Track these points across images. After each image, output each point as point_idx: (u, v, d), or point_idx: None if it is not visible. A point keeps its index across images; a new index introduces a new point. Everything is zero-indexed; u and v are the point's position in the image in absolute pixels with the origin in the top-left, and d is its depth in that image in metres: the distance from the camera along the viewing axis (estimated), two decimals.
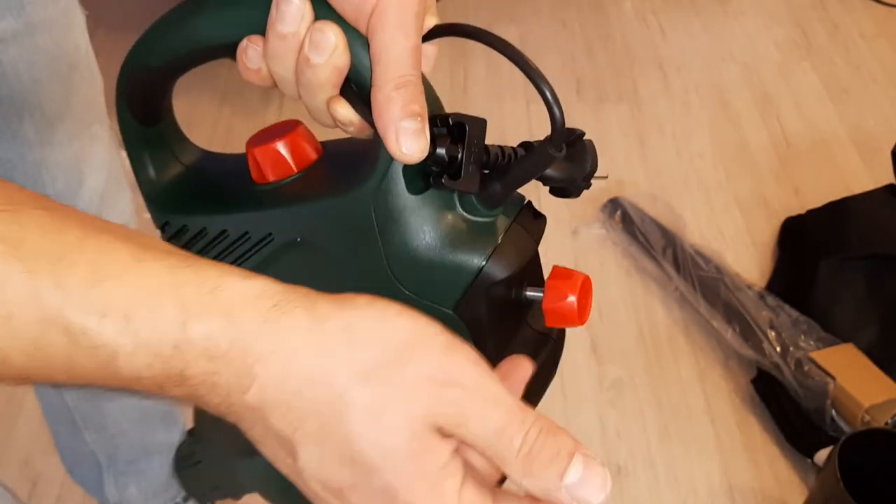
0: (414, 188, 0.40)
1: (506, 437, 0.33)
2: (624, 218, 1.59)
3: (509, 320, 0.42)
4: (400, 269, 0.41)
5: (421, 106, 0.37)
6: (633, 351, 1.44)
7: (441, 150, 0.38)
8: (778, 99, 1.93)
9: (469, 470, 0.34)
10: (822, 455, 1.23)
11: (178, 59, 0.45)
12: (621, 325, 1.48)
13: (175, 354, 0.32)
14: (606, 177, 0.43)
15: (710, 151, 1.80)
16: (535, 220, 0.43)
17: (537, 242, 0.43)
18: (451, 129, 0.39)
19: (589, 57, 2.03)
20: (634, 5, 2.20)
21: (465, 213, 0.40)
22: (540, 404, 0.51)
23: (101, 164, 0.79)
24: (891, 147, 1.57)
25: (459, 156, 0.38)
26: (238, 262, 0.46)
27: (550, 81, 0.38)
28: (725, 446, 1.32)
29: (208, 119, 1.79)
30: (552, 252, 1.78)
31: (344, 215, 0.41)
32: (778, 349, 1.32)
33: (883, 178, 1.64)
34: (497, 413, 0.33)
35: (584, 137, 0.41)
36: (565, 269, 0.41)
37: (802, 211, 1.62)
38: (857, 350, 1.33)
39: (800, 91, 1.96)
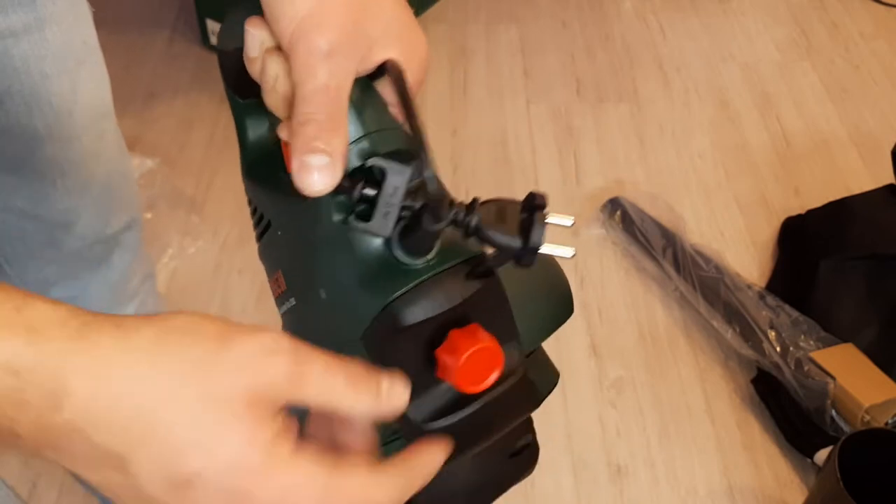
0: (340, 218, 0.41)
1: (329, 377, 0.35)
2: (624, 218, 1.59)
3: (419, 368, 0.41)
4: (325, 287, 0.43)
5: (326, 143, 0.38)
6: (633, 351, 1.44)
7: (355, 192, 0.39)
8: (778, 99, 1.93)
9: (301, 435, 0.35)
10: (821, 455, 1.23)
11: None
12: (621, 325, 1.48)
13: None
14: (573, 254, 0.42)
15: (710, 151, 1.80)
16: (474, 276, 0.41)
17: (471, 298, 0.41)
18: (372, 173, 0.40)
19: (589, 57, 2.03)
20: (634, 5, 2.20)
21: (390, 253, 0.41)
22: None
23: (108, 159, 0.80)
24: (891, 147, 1.57)
25: (373, 200, 0.39)
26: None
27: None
28: (725, 446, 1.32)
29: (208, 119, 1.79)
30: (552, 252, 1.77)
31: (300, 224, 0.44)
32: (778, 349, 1.32)
33: (883, 177, 1.64)
34: (317, 359, 0.35)
35: (541, 211, 0.40)
36: (485, 331, 0.40)
37: (802, 211, 1.62)
38: (857, 350, 1.33)
39: (800, 91, 1.96)
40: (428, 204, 0.39)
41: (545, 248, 0.39)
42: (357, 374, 0.36)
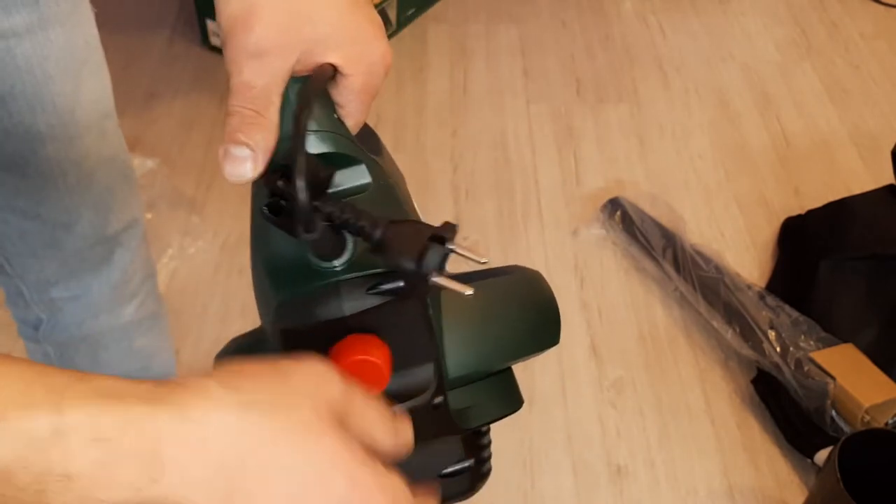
0: (260, 208, 0.42)
1: (377, 412, 0.37)
2: (624, 218, 1.59)
3: None
4: (253, 270, 0.45)
5: (247, 136, 0.39)
6: (633, 351, 1.44)
7: (271, 186, 0.40)
8: (778, 99, 1.93)
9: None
10: (821, 455, 1.23)
11: None
12: (621, 326, 1.48)
13: (54, 443, 0.27)
14: (469, 293, 0.40)
15: (710, 151, 1.80)
16: (383, 291, 0.41)
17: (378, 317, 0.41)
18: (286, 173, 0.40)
19: (589, 57, 2.03)
20: (634, 5, 2.20)
21: (302, 251, 0.42)
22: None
23: (110, 159, 0.80)
24: (890, 147, 1.57)
25: (285, 196, 0.40)
26: None
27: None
28: (725, 446, 1.32)
29: (208, 119, 1.79)
30: (552, 252, 1.78)
31: (252, 210, 0.46)
32: (778, 349, 1.32)
33: (882, 178, 1.64)
34: (364, 396, 0.36)
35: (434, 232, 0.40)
36: (380, 346, 0.41)
37: (802, 211, 1.62)
38: (857, 350, 1.33)
39: (799, 91, 1.96)
40: (333, 211, 0.40)
41: (442, 282, 0.39)
42: (385, 410, 0.37)
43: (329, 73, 0.42)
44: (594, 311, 1.50)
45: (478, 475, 0.51)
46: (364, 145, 0.48)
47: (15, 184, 0.73)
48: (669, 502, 1.26)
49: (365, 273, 0.41)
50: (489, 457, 0.53)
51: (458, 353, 0.46)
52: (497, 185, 1.71)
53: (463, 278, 0.46)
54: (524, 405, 0.51)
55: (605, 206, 1.62)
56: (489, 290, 0.49)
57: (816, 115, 1.89)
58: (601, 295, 1.52)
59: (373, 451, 0.35)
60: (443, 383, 0.45)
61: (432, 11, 2.13)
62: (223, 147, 0.40)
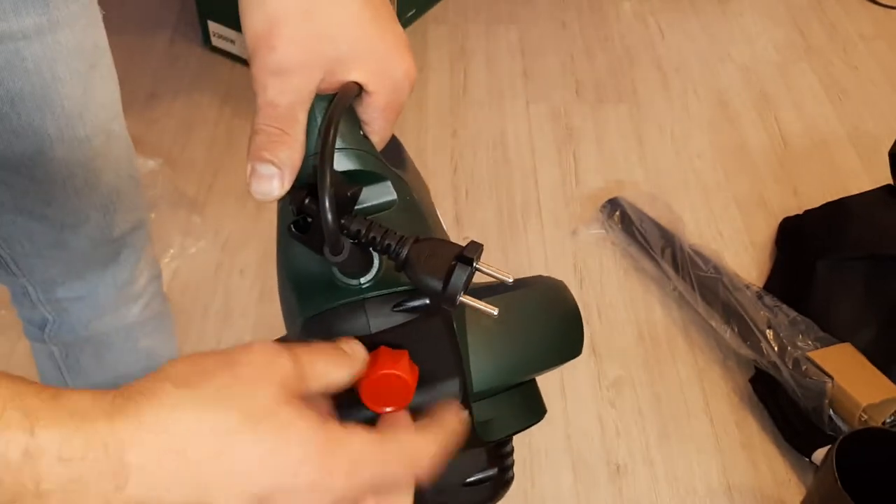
0: (287, 225, 0.43)
1: (313, 361, 0.37)
2: (623, 218, 1.59)
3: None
4: (280, 285, 0.45)
5: (272, 154, 0.40)
6: (632, 350, 1.45)
7: (299, 204, 0.41)
8: (776, 99, 1.94)
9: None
10: (819, 454, 1.24)
11: None
12: (620, 325, 1.48)
13: (25, 463, 0.29)
14: (496, 313, 0.40)
15: (709, 152, 1.81)
16: (407, 309, 0.42)
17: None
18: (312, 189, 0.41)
19: (588, 58, 2.03)
20: (633, 6, 2.21)
21: (328, 268, 0.42)
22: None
23: (117, 160, 0.80)
24: (889, 148, 1.57)
25: (313, 214, 0.41)
26: None
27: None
28: (724, 445, 1.32)
29: (209, 120, 1.80)
30: (552, 252, 1.78)
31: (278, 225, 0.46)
32: (776, 349, 1.33)
33: (881, 178, 1.65)
34: (300, 351, 0.37)
35: (461, 260, 0.40)
36: (408, 362, 0.41)
37: (800, 211, 1.63)
38: (855, 350, 1.33)
39: (798, 92, 1.96)
40: (360, 229, 0.40)
41: (469, 302, 0.39)
42: (328, 349, 0.39)
43: (354, 91, 0.42)
44: (593, 311, 1.50)
45: (501, 483, 0.51)
46: (390, 157, 0.49)
47: (23, 185, 0.74)
48: (668, 501, 1.26)
49: (391, 291, 0.41)
50: (512, 464, 0.53)
51: (482, 367, 0.46)
52: (497, 185, 1.72)
53: (487, 291, 0.47)
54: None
55: (604, 206, 1.63)
56: (514, 303, 0.49)
57: (815, 116, 1.90)
58: (600, 295, 1.53)
59: (336, 390, 0.39)
60: (467, 398, 0.45)
61: (432, 12, 2.13)
62: (249, 164, 0.40)
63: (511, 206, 1.67)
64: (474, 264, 0.39)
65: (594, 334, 1.47)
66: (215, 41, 1.95)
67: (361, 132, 0.44)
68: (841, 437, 1.07)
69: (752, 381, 1.38)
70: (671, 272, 1.49)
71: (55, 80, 0.69)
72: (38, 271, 0.83)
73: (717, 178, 1.75)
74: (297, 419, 0.34)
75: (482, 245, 0.40)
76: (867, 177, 1.74)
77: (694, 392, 1.39)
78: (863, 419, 1.22)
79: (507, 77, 1.96)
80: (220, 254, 1.55)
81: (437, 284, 0.39)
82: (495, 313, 0.39)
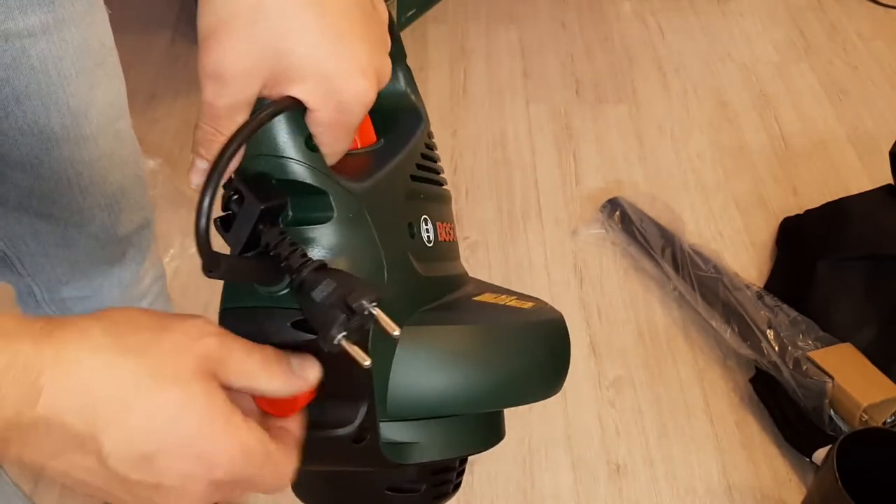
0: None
1: (249, 359, 0.39)
2: (623, 218, 1.59)
3: None
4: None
5: (207, 151, 0.41)
6: (632, 350, 1.45)
7: (223, 200, 0.41)
8: (776, 99, 1.94)
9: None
10: (820, 454, 1.24)
11: None
12: (620, 325, 1.48)
13: None
14: (368, 364, 0.39)
15: (709, 152, 1.81)
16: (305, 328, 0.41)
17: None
18: (238, 191, 0.41)
19: (588, 58, 2.03)
20: (633, 6, 2.21)
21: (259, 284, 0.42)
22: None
23: (123, 160, 0.80)
24: (889, 147, 1.57)
25: (231, 214, 0.41)
26: None
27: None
28: (724, 445, 1.32)
29: None
30: (552, 252, 1.78)
31: None
32: (776, 348, 1.33)
33: (881, 178, 1.65)
34: (236, 343, 0.39)
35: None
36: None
37: (801, 211, 1.63)
38: (856, 350, 1.33)
39: (798, 92, 1.96)
40: (269, 241, 0.40)
41: (345, 345, 0.39)
42: (271, 356, 0.40)
43: (289, 106, 0.41)
44: (593, 311, 1.50)
45: (428, 499, 0.50)
46: (396, 135, 0.49)
47: (29, 183, 0.74)
48: (668, 501, 1.26)
49: (297, 307, 0.41)
50: (450, 482, 0.52)
51: (408, 392, 0.44)
52: (497, 185, 1.72)
53: (466, 318, 0.47)
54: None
55: (604, 206, 1.63)
56: (481, 336, 0.47)
57: (815, 116, 1.90)
58: (600, 294, 1.53)
59: (260, 396, 0.40)
60: (373, 423, 0.44)
61: (432, 12, 2.13)
62: (192, 156, 0.42)
63: (511, 206, 1.68)
64: (365, 310, 0.38)
65: (594, 334, 1.47)
66: None
67: (310, 143, 0.42)
68: (841, 437, 1.07)
69: (753, 380, 1.38)
70: (671, 272, 1.49)
71: (61, 78, 0.69)
72: (44, 270, 0.83)
73: (716, 177, 1.75)
74: (203, 395, 0.36)
75: (379, 292, 0.39)
76: (867, 177, 1.74)
77: (694, 392, 1.39)
78: (863, 419, 1.22)
79: (507, 77, 1.96)
80: None
81: (319, 320, 0.39)
82: (366, 364, 0.38)
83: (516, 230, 1.63)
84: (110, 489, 0.36)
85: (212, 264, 0.39)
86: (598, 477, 1.29)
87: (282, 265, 0.40)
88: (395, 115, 0.53)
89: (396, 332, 0.39)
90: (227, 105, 0.40)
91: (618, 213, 1.60)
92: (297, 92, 0.41)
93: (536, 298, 0.53)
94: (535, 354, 0.50)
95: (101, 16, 0.72)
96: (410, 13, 2.07)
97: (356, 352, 0.39)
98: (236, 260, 0.40)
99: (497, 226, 1.64)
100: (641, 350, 1.45)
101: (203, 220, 0.38)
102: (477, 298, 0.52)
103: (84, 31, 0.69)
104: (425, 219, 0.50)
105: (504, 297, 0.53)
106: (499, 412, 0.52)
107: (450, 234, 0.53)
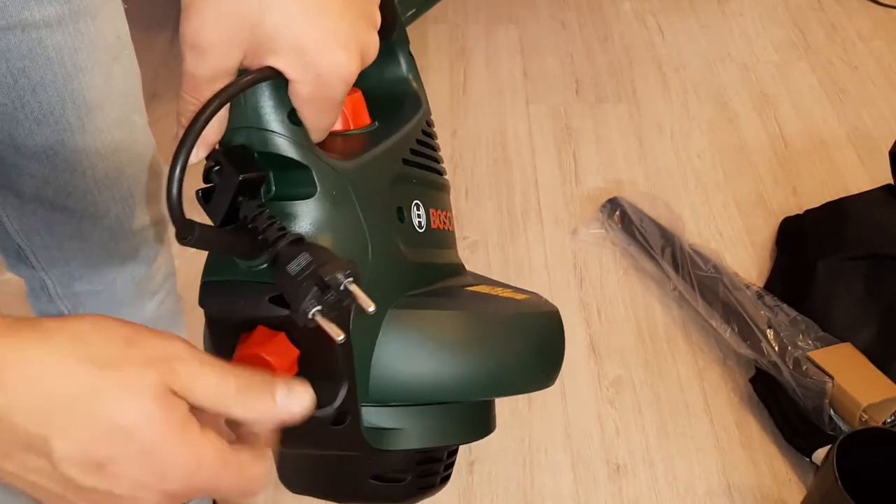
0: None
1: (222, 385, 0.38)
2: (623, 218, 1.59)
3: (224, 347, 0.43)
4: None
5: (187, 120, 0.40)
6: (631, 350, 1.45)
7: (204, 171, 0.41)
8: (776, 99, 1.94)
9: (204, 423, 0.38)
10: (819, 454, 1.24)
11: None
12: (620, 325, 1.48)
13: None
14: (342, 339, 0.38)
15: (709, 151, 1.81)
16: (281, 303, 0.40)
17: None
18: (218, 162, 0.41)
19: (588, 58, 2.04)
20: (633, 6, 2.21)
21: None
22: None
23: (138, 153, 0.80)
24: (888, 147, 1.58)
25: (212, 187, 0.41)
26: None
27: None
28: (724, 445, 1.32)
29: None
30: (552, 252, 1.78)
31: None
32: (776, 348, 1.33)
33: (881, 178, 1.65)
34: (211, 368, 0.38)
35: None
36: (283, 347, 0.41)
37: (800, 211, 1.63)
38: (855, 349, 1.33)
39: (798, 91, 1.96)
40: (248, 214, 0.40)
41: (319, 320, 0.38)
42: (250, 383, 0.38)
43: (268, 76, 0.41)
44: (593, 311, 1.50)
45: (413, 490, 0.49)
46: (391, 119, 0.48)
47: (44, 174, 0.74)
48: (668, 500, 1.26)
49: (272, 282, 0.40)
50: (436, 474, 0.51)
51: (392, 375, 0.44)
52: (497, 184, 1.72)
53: (454, 304, 0.46)
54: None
55: (604, 206, 1.63)
56: (468, 322, 0.47)
57: (814, 116, 1.90)
58: (600, 294, 1.53)
59: (226, 415, 0.39)
60: (354, 405, 0.43)
61: (432, 12, 2.13)
62: (176, 129, 0.41)
63: (511, 206, 1.68)
64: (340, 285, 0.38)
65: (594, 334, 1.47)
66: None
67: (291, 118, 0.42)
68: (841, 436, 1.07)
69: (753, 380, 1.38)
70: (671, 272, 1.49)
71: (77, 70, 0.69)
72: (58, 264, 0.83)
73: (716, 177, 1.75)
74: (161, 408, 0.36)
75: (354, 267, 0.38)
76: (867, 176, 1.74)
77: (694, 392, 1.39)
78: (863, 419, 1.23)
79: (507, 77, 1.96)
80: None
81: (293, 294, 0.38)
82: (339, 339, 0.38)
83: (516, 230, 1.63)
84: (64, 494, 0.36)
85: (184, 230, 0.38)
86: (598, 476, 1.29)
87: (259, 238, 0.39)
88: (394, 99, 0.53)
89: (371, 307, 0.38)
90: (207, 75, 0.40)
91: (618, 212, 1.60)
92: (276, 62, 0.41)
93: (532, 292, 0.53)
94: (526, 345, 0.49)
95: (117, 9, 0.73)
96: (410, 13, 2.07)
97: (330, 327, 0.38)
98: (212, 230, 0.40)
99: (497, 225, 1.64)
100: (641, 350, 1.45)
101: (175, 186, 0.37)
102: (470, 288, 0.51)
103: (100, 23, 0.69)
104: (417, 204, 0.50)
105: (499, 289, 0.52)
106: (488, 403, 0.51)
107: (444, 222, 0.53)
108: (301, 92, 0.42)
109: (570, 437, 1.33)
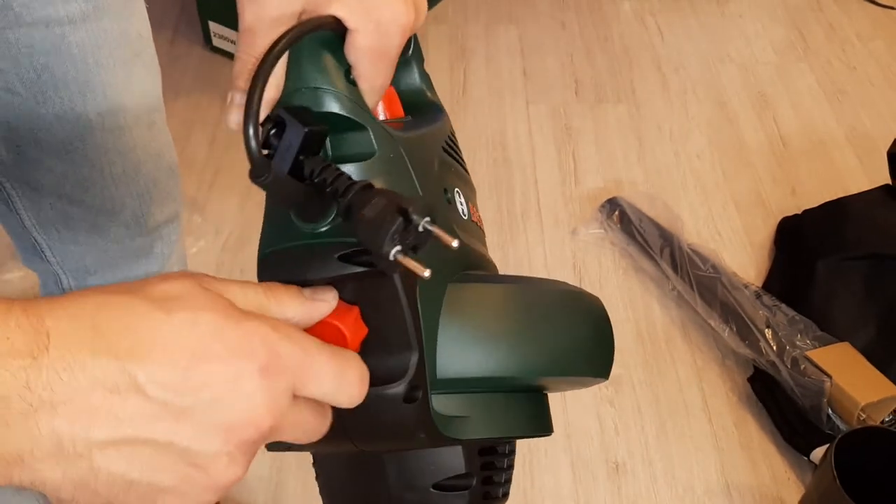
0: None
1: (251, 292, 0.37)
2: (622, 218, 1.60)
3: None
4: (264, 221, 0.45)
5: (245, 82, 0.39)
6: (631, 350, 1.45)
7: (263, 136, 0.39)
8: (775, 99, 1.94)
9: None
10: (818, 453, 1.24)
11: None
12: (619, 324, 1.49)
13: None
14: (428, 275, 0.36)
15: (708, 152, 1.81)
16: (355, 262, 0.39)
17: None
18: (278, 122, 0.39)
19: (588, 58, 2.04)
20: (633, 7, 2.21)
21: (289, 213, 0.41)
22: None
23: (156, 151, 0.81)
24: (887, 147, 1.58)
25: (273, 147, 0.39)
26: None
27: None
28: (723, 444, 1.33)
29: (209, 120, 1.80)
30: (551, 252, 1.78)
31: None
32: (775, 348, 1.33)
33: (879, 178, 1.65)
34: (239, 286, 0.37)
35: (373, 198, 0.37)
36: (355, 319, 0.40)
37: (799, 211, 1.63)
38: (854, 349, 1.34)
39: (797, 92, 1.97)
40: (313, 169, 0.38)
41: (401, 258, 0.36)
42: (273, 286, 0.38)
43: (327, 23, 0.40)
44: None
45: (479, 495, 0.47)
46: (422, 117, 0.47)
47: (63, 169, 0.74)
48: (667, 500, 1.27)
49: (342, 240, 0.39)
50: (502, 482, 0.49)
51: (458, 353, 0.42)
52: (496, 184, 1.72)
53: (508, 279, 0.45)
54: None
55: (603, 206, 1.63)
56: (528, 296, 0.45)
57: (813, 116, 1.90)
58: (599, 294, 1.52)
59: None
60: (423, 378, 0.41)
61: (432, 12, 2.13)
62: (229, 94, 0.40)
63: (511, 206, 1.68)
64: (415, 219, 0.36)
65: None
66: (216, 41, 1.95)
67: (348, 77, 0.42)
68: (839, 435, 1.07)
69: (751, 380, 1.38)
70: (670, 272, 1.50)
71: (98, 67, 0.70)
72: (73, 258, 0.83)
73: (715, 177, 1.75)
74: (205, 298, 0.34)
75: (430, 203, 0.37)
76: (865, 177, 1.74)
77: (693, 391, 1.39)
78: (861, 418, 1.23)
79: (507, 77, 1.96)
80: (221, 253, 1.55)
81: (371, 236, 0.36)
82: (426, 275, 0.35)
83: (516, 230, 1.64)
84: (173, 436, 0.32)
85: (260, 168, 0.37)
86: (598, 476, 1.29)
87: (327, 190, 0.38)
88: (417, 107, 0.53)
89: (455, 242, 0.37)
90: (272, 16, 0.40)
91: (617, 212, 1.61)
92: (336, 10, 0.40)
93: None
94: (585, 323, 0.49)
95: (140, 7, 0.74)
96: None
97: (415, 265, 0.36)
98: (285, 177, 0.38)
99: (497, 225, 1.64)
100: (640, 349, 1.45)
101: (251, 121, 0.36)
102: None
103: (122, 21, 0.70)
104: (458, 192, 0.49)
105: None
106: (546, 400, 0.51)
107: (479, 219, 0.53)
108: (360, 42, 0.41)
109: (569, 437, 1.33)
